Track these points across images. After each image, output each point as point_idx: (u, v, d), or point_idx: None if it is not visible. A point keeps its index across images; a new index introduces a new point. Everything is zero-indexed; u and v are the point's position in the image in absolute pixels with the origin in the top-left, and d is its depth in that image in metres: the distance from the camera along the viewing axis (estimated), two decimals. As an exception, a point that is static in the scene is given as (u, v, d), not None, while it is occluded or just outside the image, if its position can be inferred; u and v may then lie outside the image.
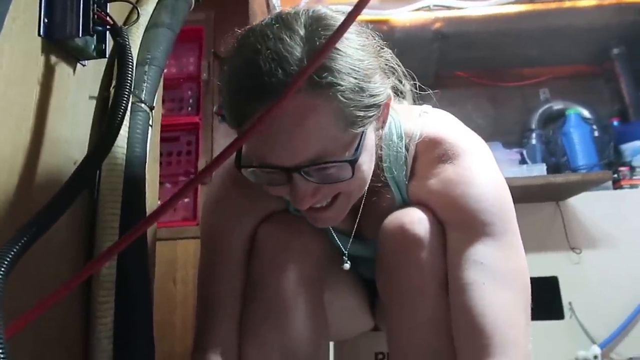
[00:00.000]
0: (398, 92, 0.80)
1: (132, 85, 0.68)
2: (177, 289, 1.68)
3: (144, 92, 0.77)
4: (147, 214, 0.75)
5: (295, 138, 0.59)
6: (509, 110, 2.72)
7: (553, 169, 2.38)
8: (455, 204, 0.70)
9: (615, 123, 2.59)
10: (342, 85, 0.58)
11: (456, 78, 2.75)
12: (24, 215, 0.55)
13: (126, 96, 0.66)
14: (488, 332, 0.63)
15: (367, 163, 0.66)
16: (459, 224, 0.70)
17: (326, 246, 0.82)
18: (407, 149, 0.75)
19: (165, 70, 0.85)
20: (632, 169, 2.31)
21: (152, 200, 0.84)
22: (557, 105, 2.71)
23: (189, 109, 1.92)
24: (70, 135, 0.67)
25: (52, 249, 0.61)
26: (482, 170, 0.71)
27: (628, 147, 2.39)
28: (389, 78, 0.70)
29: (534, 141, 2.55)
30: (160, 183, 1.89)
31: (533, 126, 2.64)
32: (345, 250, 0.84)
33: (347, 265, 0.83)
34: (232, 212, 0.78)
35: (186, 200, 1.83)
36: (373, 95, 0.62)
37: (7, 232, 0.51)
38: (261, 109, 0.58)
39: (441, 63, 2.61)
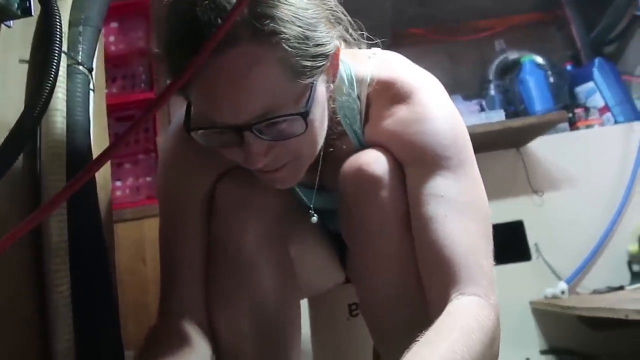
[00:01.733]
0: (346, 42, 0.78)
1: (62, 42, 0.64)
2: (148, 269, 1.66)
3: (80, 53, 0.73)
4: (97, 185, 0.72)
5: (241, 92, 0.56)
6: (467, 64, 2.74)
7: (512, 116, 2.42)
8: (411, 141, 0.70)
9: (569, 67, 2.64)
10: (286, 34, 0.56)
11: (412, 36, 2.75)
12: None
13: (57, 53, 0.63)
14: (453, 261, 0.63)
15: (319, 117, 0.65)
16: (416, 161, 0.69)
17: (288, 201, 0.81)
18: (359, 95, 0.74)
19: (102, 32, 0.81)
20: (587, 109, 2.37)
21: (104, 171, 0.81)
22: (513, 55, 2.74)
23: (142, 85, 1.86)
24: (0, 99, 0.63)
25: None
26: (435, 105, 0.71)
27: (582, 90, 2.44)
28: (334, 27, 0.68)
29: (492, 92, 2.58)
30: (119, 164, 1.85)
31: (491, 77, 2.66)
32: (311, 203, 0.82)
33: (314, 219, 0.82)
34: (187, 171, 0.75)
35: (148, 179, 1.79)
36: (319, 44, 0.60)
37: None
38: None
39: (396, 21, 2.60)
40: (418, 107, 0.70)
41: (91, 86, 0.76)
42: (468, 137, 0.72)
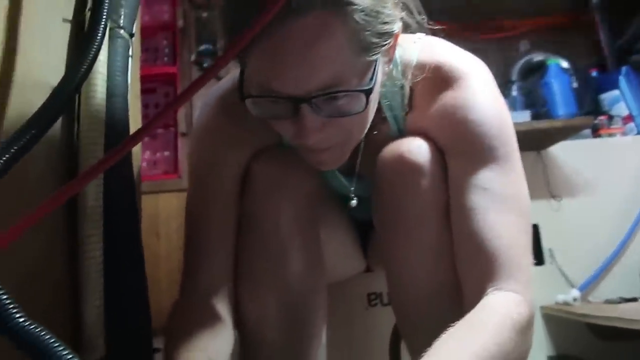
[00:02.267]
0: (405, 26, 0.76)
1: (109, 6, 0.62)
2: (161, 244, 1.65)
3: (122, 17, 0.72)
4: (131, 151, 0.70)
5: (306, 62, 0.54)
6: (489, 63, 2.71)
7: (534, 119, 2.40)
8: (456, 130, 0.68)
9: (594, 73, 2.60)
10: (359, 5, 0.54)
11: (435, 31, 2.72)
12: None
13: (104, 16, 0.61)
14: (492, 255, 0.61)
15: (375, 98, 0.63)
16: (459, 151, 0.68)
17: (320, 185, 0.79)
18: (404, 80, 0.72)
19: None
20: (610, 117, 2.33)
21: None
22: (537, 57, 2.70)
23: (165, 59, 1.84)
24: (43, 59, 0.61)
25: (29, 180, 0.57)
26: (483, 93, 0.69)
27: (606, 97, 2.40)
28: (397, 7, 0.66)
29: (514, 93, 2.55)
30: (138, 137, 1.83)
31: (513, 78, 2.63)
32: (350, 187, 0.80)
33: (354, 202, 0.80)
34: (224, 143, 0.74)
35: (166, 153, 1.78)
36: (386, 22, 0.58)
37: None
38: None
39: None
40: (464, 94, 0.68)
41: (130, 52, 0.74)
42: (513, 129, 0.70)
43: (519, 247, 0.62)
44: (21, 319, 0.31)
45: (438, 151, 0.69)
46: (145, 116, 1.91)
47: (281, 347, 0.74)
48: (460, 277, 0.66)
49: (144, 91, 1.87)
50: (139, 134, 0.48)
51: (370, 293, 1.02)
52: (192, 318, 0.65)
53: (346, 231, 0.92)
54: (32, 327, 0.31)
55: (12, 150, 0.47)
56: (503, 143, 0.67)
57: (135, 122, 0.81)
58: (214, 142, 0.75)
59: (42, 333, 0.32)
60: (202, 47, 1.86)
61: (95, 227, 0.60)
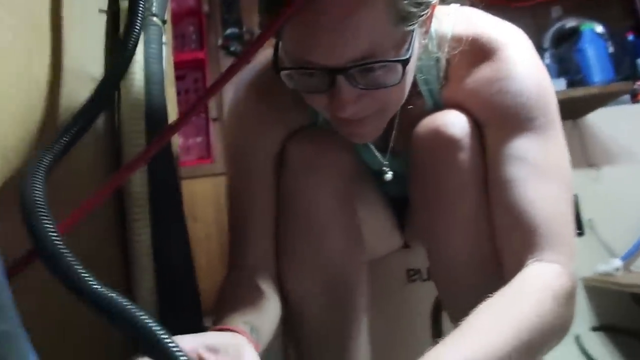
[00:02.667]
0: None
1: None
2: (198, 227, 1.69)
3: (154, 4, 0.72)
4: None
5: (343, 32, 0.53)
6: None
7: (569, 86, 2.33)
8: (493, 101, 0.67)
9: (631, 37, 2.49)
10: None
11: (469, 1, 2.65)
12: (47, 131, 0.52)
13: (141, 6, 0.62)
14: (532, 226, 0.61)
15: (411, 69, 0.62)
16: (497, 121, 0.66)
17: (355, 162, 0.80)
18: (439, 53, 0.71)
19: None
20: (650, 82, 2.25)
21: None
22: (570, 23, 2.61)
23: (192, 45, 1.85)
24: (84, 50, 0.63)
25: (80, 169, 0.59)
26: (522, 63, 0.67)
27: (645, 60, 2.32)
28: None
29: (547, 61, 2.47)
30: (170, 124, 1.87)
31: (546, 45, 2.55)
32: (385, 160, 0.80)
33: (389, 175, 0.80)
34: (258, 126, 0.75)
35: (199, 139, 1.80)
36: None
37: (29, 144, 0.49)
38: None
39: (449, -16, 2.50)
40: (502, 65, 0.67)
41: (164, 39, 0.75)
42: (554, 97, 0.68)
43: (559, 218, 0.61)
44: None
45: (475, 124, 0.68)
46: (177, 103, 1.94)
47: (325, 324, 0.76)
48: (499, 249, 0.65)
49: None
50: (183, 119, 0.49)
51: (409, 269, 1.02)
52: (238, 291, 0.66)
53: (382, 208, 0.92)
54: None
55: (63, 141, 0.48)
56: (542, 113, 0.65)
57: (172, 109, 0.83)
58: (248, 125, 0.75)
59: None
60: (229, 31, 1.87)
61: (142, 212, 0.62)
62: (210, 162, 1.80)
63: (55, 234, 0.36)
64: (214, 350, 0.47)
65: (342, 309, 0.77)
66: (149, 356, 0.35)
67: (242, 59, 0.48)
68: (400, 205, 0.96)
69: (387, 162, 0.81)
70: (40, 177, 0.42)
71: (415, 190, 0.75)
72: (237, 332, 0.54)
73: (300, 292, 0.75)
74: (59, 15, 0.57)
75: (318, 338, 0.76)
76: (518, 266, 0.59)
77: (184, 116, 0.49)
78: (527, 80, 0.66)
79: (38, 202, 0.38)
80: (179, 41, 1.91)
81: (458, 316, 0.72)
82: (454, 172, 0.68)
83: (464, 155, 0.67)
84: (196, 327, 0.64)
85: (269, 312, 0.67)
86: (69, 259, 0.36)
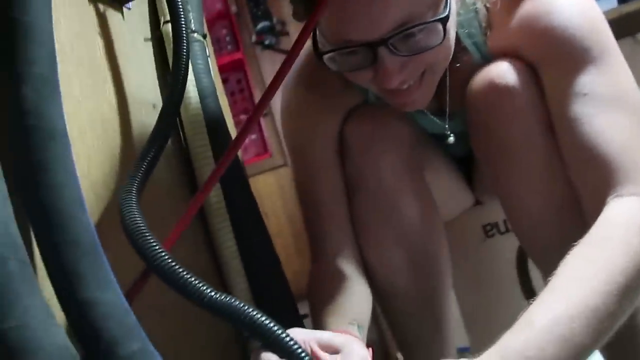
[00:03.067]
0: None
1: (185, 16, 0.66)
2: (271, 221, 1.74)
3: (192, 21, 0.75)
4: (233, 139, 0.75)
5: (378, 4, 0.54)
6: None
7: (621, 2, 2.17)
8: (541, 40, 0.64)
9: None
10: None
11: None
12: (125, 161, 0.56)
13: (184, 29, 0.65)
14: (606, 161, 0.58)
15: (452, 26, 0.62)
16: (550, 61, 0.64)
17: (415, 129, 0.80)
18: (477, 2, 0.69)
19: None
20: None
21: (231, 129, 0.84)
22: None
23: (229, 47, 1.89)
24: (141, 80, 0.67)
25: (161, 192, 0.63)
26: None
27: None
28: None
29: (592, -20, 2.32)
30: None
31: (588, -37, 2.39)
32: (445, 122, 0.80)
33: (451, 139, 0.79)
34: (312, 116, 0.76)
35: (253, 137, 1.85)
36: None
37: (113, 176, 0.53)
38: None
39: None
40: (541, 1, 0.64)
41: (207, 53, 0.78)
42: (605, 22, 0.65)
43: (633, 148, 0.59)
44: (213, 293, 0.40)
45: (529, 68, 0.67)
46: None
47: (414, 293, 0.77)
48: (577, 190, 0.64)
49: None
50: (250, 123, 0.51)
51: (485, 224, 1.01)
52: (327, 282, 0.69)
53: (449, 170, 0.91)
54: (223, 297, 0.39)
55: (143, 168, 0.52)
56: (595, 40, 0.62)
57: (227, 117, 0.86)
58: (302, 118, 0.77)
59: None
60: (260, 26, 1.89)
61: (223, 220, 0.66)
62: (268, 156, 1.85)
63: (165, 254, 0.40)
64: (325, 346, 0.50)
65: (426, 275, 0.78)
66: (269, 349, 0.39)
67: (291, 53, 0.50)
68: (467, 163, 0.95)
69: (446, 125, 0.80)
70: (134, 205, 0.46)
71: (479, 147, 0.74)
72: (345, 332, 0.56)
73: (384, 266, 0.77)
74: (113, 53, 0.60)
75: (406, 307, 0.78)
76: (598, 205, 0.58)
77: (248, 123, 0.51)
78: (571, 10, 0.63)
79: (142, 228, 0.42)
80: (215, 46, 1.95)
81: (543, 263, 0.72)
82: (516, 121, 0.66)
83: (523, 103, 0.66)
84: (295, 318, 0.68)
85: (362, 302, 0.69)
86: (183, 273, 0.39)
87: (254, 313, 0.39)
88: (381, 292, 0.78)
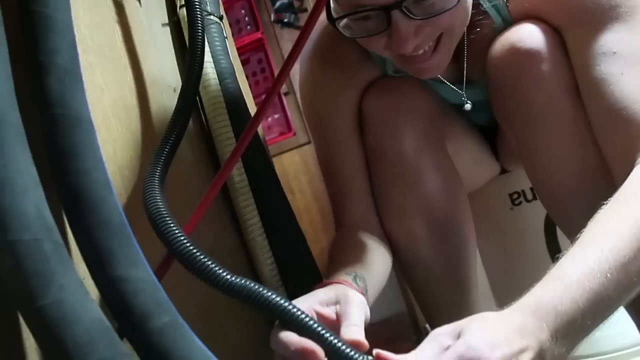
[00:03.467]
0: None
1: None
2: (297, 199, 1.77)
3: (208, 3, 0.76)
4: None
5: None
6: None
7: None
8: (566, 0, 0.63)
9: None
10: None
11: None
12: (149, 144, 0.58)
13: (199, 11, 0.66)
14: (634, 123, 0.57)
15: None
16: (576, 20, 0.62)
17: (435, 99, 0.79)
18: None
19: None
20: None
21: (252, 109, 0.85)
22: None
23: (248, 27, 1.89)
24: (160, 64, 0.68)
25: (184, 173, 0.65)
26: None
27: None
28: None
29: None
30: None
31: None
32: (462, 90, 0.79)
33: (468, 106, 0.78)
34: (330, 91, 0.76)
35: (276, 116, 1.86)
36: None
37: (138, 159, 0.55)
38: None
39: None
40: None
41: (225, 34, 0.79)
42: None
43: None
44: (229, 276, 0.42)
45: (552, 30, 0.65)
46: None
47: (438, 263, 0.78)
48: (604, 153, 0.62)
49: (239, 64, 1.94)
50: (266, 103, 0.52)
51: (512, 193, 1.00)
52: (343, 249, 0.70)
53: (472, 139, 0.90)
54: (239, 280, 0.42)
55: (166, 151, 0.54)
56: None
57: (247, 97, 0.87)
58: (320, 92, 0.77)
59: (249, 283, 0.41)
60: (278, 4, 1.88)
61: (247, 198, 0.67)
62: (292, 135, 1.85)
63: (184, 239, 0.42)
64: (326, 304, 0.52)
65: (450, 245, 0.78)
66: (281, 323, 0.42)
67: (306, 27, 0.50)
68: (491, 132, 0.94)
69: (463, 93, 0.79)
70: (157, 189, 0.47)
71: (502, 114, 0.73)
72: (339, 283, 0.57)
73: (408, 238, 0.77)
74: (132, 41, 0.62)
75: (431, 276, 0.79)
76: (628, 167, 0.57)
77: (265, 101, 0.52)
78: None
79: (163, 213, 0.43)
80: (235, 27, 1.95)
81: (571, 230, 0.71)
82: (540, 86, 0.65)
83: (548, 66, 0.64)
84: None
85: (374, 261, 0.70)
86: (199, 256, 0.41)
87: (268, 293, 0.41)
88: (405, 262, 0.78)
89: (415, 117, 0.74)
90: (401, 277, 0.80)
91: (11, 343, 0.35)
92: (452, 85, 0.79)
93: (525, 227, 1.00)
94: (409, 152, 0.74)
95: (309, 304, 0.51)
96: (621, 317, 0.83)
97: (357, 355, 0.40)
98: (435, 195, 0.76)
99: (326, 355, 0.42)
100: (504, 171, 1.01)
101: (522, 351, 0.41)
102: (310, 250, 0.73)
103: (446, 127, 0.81)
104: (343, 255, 0.67)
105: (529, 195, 1.00)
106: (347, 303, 0.52)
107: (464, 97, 0.79)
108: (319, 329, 0.41)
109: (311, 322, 0.41)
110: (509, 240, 1.03)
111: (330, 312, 0.51)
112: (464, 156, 0.86)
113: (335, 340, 0.41)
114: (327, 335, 0.41)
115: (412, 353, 0.42)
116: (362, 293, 0.57)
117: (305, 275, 0.71)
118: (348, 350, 0.41)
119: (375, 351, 0.42)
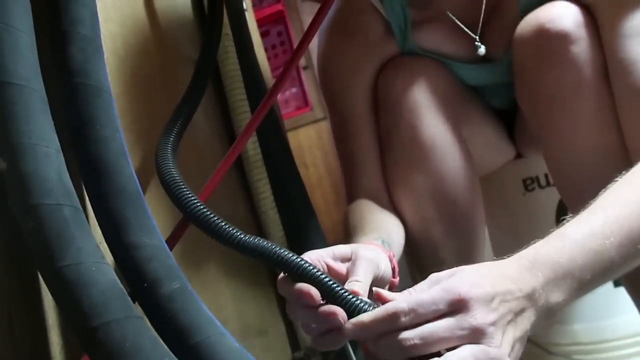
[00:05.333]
0: None
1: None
2: (311, 173, 1.78)
3: (229, -25, 0.76)
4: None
5: None
6: None
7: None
8: None
9: None
10: None
11: None
12: (167, 115, 0.59)
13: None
14: None
15: None
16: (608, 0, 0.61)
17: (452, 80, 0.78)
18: None
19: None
20: None
21: (268, 82, 0.86)
22: None
23: (269, -1, 1.88)
24: (180, 36, 0.68)
25: (200, 144, 0.66)
26: None
27: None
28: None
29: None
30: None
31: None
32: (476, 34, 0.75)
33: (482, 50, 0.75)
34: (347, 65, 0.76)
35: (294, 90, 1.86)
36: None
37: (156, 130, 0.56)
38: None
39: None
40: None
41: (244, 6, 0.79)
42: None
43: None
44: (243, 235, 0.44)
45: (583, 10, 0.63)
46: (267, 59, 1.99)
47: (446, 247, 0.78)
48: (626, 135, 0.61)
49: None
50: (286, 72, 0.53)
51: (526, 178, 1.00)
52: (362, 215, 0.70)
53: (489, 122, 0.89)
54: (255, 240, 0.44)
55: (180, 122, 0.55)
56: None
57: (264, 70, 0.87)
58: (337, 66, 0.77)
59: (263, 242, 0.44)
60: (300, -24, 1.86)
61: (260, 172, 0.68)
62: (308, 110, 1.85)
63: (199, 203, 0.43)
64: (339, 259, 0.51)
65: (461, 229, 0.78)
66: (289, 275, 0.44)
67: (326, 0, 0.50)
68: (508, 116, 0.93)
69: (476, 37, 0.75)
70: (170, 157, 0.49)
71: (524, 95, 0.71)
72: (371, 244, 0.57)
73: (418, 219, 0.78)
74: (154, 12, 0.62)
75: (441, 262, 0.79)
76: None
77: (283, 74, 0.52)
78: None
79: (177, 180, 0.45)
80: (256, -2, 1.94)
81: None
82: (568, 68, 0.62)
83: (579, 48, 0.62)
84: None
85: (394, 231, 0.71)
86: (216, 219, 0.43)
87: (274, 247, 0.43)
88: (414, 242, 0.79)
89: (431, 98, 0.74)
90: (407, 256, 0.81)
91: (31, 301, 0.37)
92: (466, 28, 0.76)
93: (536, 213, 1.00)
94: (423, 133, 0.74)
95: (319, 255, 0.51)
96: (626, 306, 0.84)
97: (351, 297, 0.42)
98: (446, 177, 0.76)
99: (325, 298, 0.43)
100: (519, 156, 1.00)
101: (508, 293, 0.41)
102: (320, 225, 0.74)
103: (462, 109, 0.80)
104: (365, 222, 0.67)
105: (543, 182, 1.00)
106: (356, 260, 0.51)
107: (477, 40, 0.75)
108: (315, 271, 0.43)
109: (306, 265, 0.43)
110: (519, 226, 1.03)
111: (341, 267, 0.51)
112: (479, 139, 0.86)
113: (330, 282, 0.42)
114: (323, 277, 0.42)
115: (408, 289, 0.44)
116: (390, 257, 0.57)
117: (315, 248, 0.72)
118: (343, 292, 0.42)
119: (375, 290, 0.44)
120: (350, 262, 0.51)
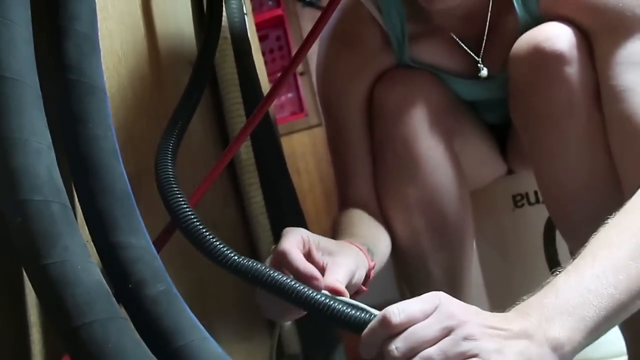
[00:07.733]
0: None
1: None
2: (303, 179, 1.78)
3: (230, -22, 0.76)
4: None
5: None
6: None
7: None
8: (597, 4, 0.62)
9: None
10: None
11: None
12: (162, 116, 0.59)
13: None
14: None
15: None
16: (607, 26, 0.62)
17: (447, 94, 0.79)
18: None
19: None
20: None
21: (266, 87, 0.86)
22: None
23: (270, 3, 1.88)
24: (178, 37, 0.68)
25: (193, 147, 0.66)
26: None
27: None
28: None
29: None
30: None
31: None
32: (479, 57, 0.76)
33: (484, 72, 0.75)
34: (344, 75, 0.76)
35: (290, 95, 1.86)
36: None
37: (151, 130, 0.56)
38: None
39: None
40: None
41: (245, 10, 0.79)
42: None
43: None
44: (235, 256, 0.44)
45: (580, 34, 0.64)
46: (264, 63, 1.99)
47: (433, 259, 0.79)
48: (617, 163, 0.62)
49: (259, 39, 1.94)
50: (282, 78, 0.53)
51: (516, 195, 1.01)
52: (351, 220, 0.71)
53: (481, 137, 0.90)
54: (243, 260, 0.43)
55: (179, 125, 0.55)
56: None
57: (261, 74, 0.87)
58: (335, 74, 0.78)
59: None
60: (301, -18, 1.86)
61: (252, 177, 0.68)
62: (303, 116, 1.86)
63: (189, 211, 0.43)
64: (321, 250, 0.51)
65: (450, 242, 0.79)
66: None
67: (328, 8, 0.51)
68: (501, 131, 0.94)
69: (479, 59, 0.76)
70: (169, 160, 0.48)
71: (518, 112, 0.72)
72: (356, 246, 0.58)
73: (408, 230, 0.78)
74: (151, 12, 0.62)
75: (428, 273, 0.80)
76: (638, 179, 0.57)
77: (280, 80, 0.52)
78: None
79: (171, 184, 0.44)
80: (256, 2, 1.94)
81: (573, 237, 0.71)
82: (561, 88, 0.63)
83: (572, 70, 0.63)
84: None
85: (381, 241, 0.71)
86: (200, 229, 0.42)
87: (254, 264, 0.44)
88: (402, 253, 0.79)
89: (426, 110, 0.74)
90: (394, 267, 0.81)
91: (14, 298, 0.37)
92: (468, 49, 0.77)
93: (525, 230, 1.01)
94: (416, 146, 0.74)
95: (308, 235, 0.51)
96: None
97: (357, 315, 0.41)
98: (437, 190, 0.76)
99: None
100: (510, 172, 1.01)
101: (501, 329, 0.41)
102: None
103: (456, 122, 0.81)
104: (354, 228, 0.68)
105: (532, 199, 1.00)
106: (335, 260, 0.51)
107: (479, 62, 0.76)
108: (282, 279, 0.42)
109: (277, 276, 0.43)
110: (507, 241, 1.03)
111: (319, 258, 0.51)
112: (471, 153, 0.86)
113: (303, 288, 0.42)
114: (295, 284, 0.42)
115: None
116: (371, 267, 0.58)
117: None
118: (310, 292, 0.42)
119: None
120: (329, 258, 0.52)
